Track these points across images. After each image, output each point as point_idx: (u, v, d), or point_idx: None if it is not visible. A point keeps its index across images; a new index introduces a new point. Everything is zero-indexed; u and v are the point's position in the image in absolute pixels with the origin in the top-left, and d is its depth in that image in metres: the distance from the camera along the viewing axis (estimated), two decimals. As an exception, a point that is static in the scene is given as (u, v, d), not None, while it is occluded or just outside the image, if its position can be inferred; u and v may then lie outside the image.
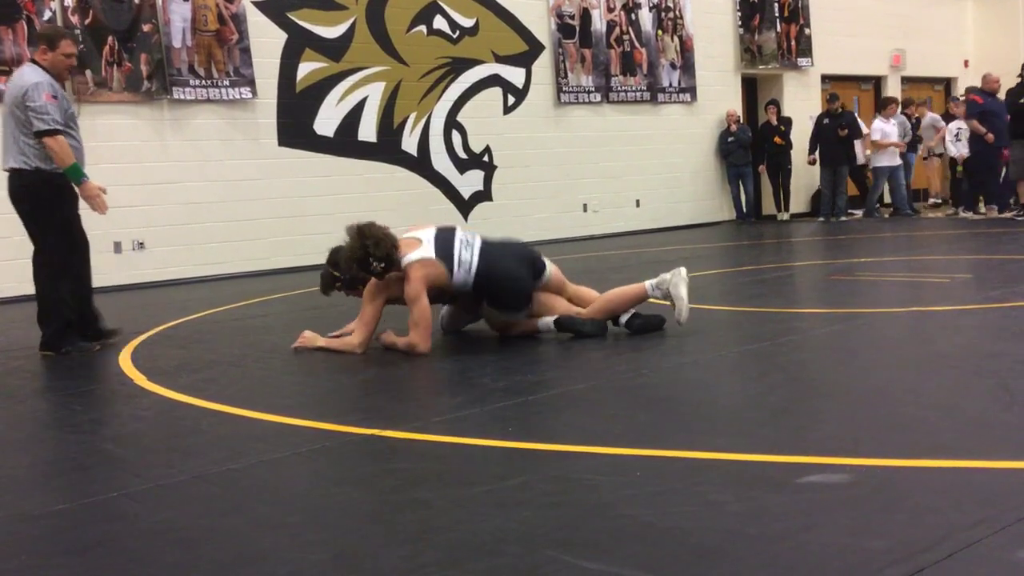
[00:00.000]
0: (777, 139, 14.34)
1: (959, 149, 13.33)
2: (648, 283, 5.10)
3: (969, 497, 2.50)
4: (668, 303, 5.11)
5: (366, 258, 4.87)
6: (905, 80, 17.02)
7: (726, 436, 3.20)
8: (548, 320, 5.17)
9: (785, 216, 14.62)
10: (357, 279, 5.15)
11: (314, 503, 2.79)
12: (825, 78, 15.79)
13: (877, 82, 16.93)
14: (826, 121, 13.71)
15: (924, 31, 17.07)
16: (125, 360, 5.30)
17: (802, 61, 15.25)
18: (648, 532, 2.39)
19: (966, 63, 17.98)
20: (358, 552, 2.39)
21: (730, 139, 14.18)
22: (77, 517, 2.76)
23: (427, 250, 4.98)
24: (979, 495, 2.51)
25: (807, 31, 15.24)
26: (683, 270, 5.06)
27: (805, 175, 14.99)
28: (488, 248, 5.12)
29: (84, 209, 8.47)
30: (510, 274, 5.08)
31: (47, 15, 9.21)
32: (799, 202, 15.34)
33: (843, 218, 13.68)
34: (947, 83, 18.10)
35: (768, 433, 3.25)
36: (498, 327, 5.32)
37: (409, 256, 4.95)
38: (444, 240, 5.06)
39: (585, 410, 3.73)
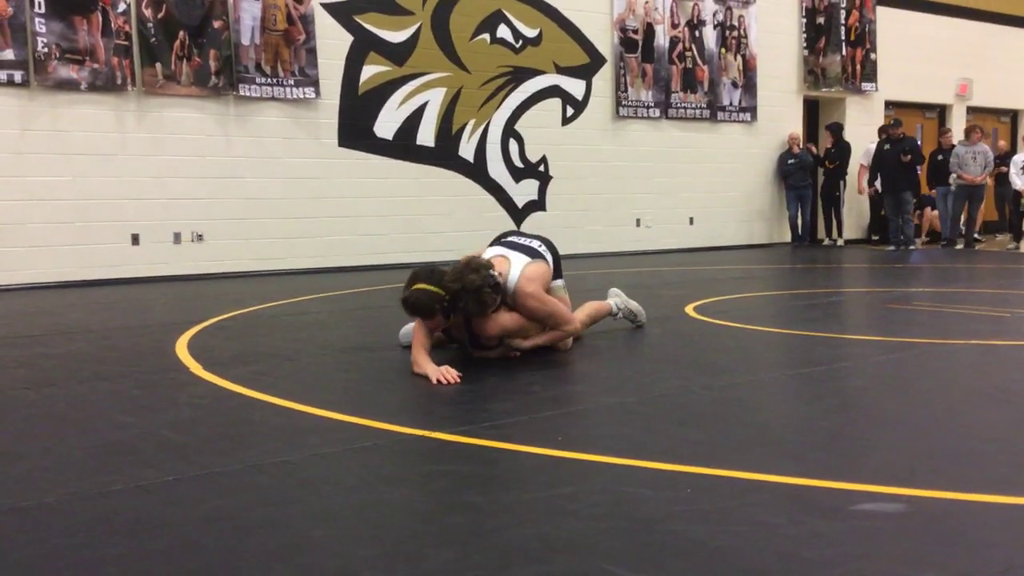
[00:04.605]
0: (828, 163, 14.23)
1: (1023, 182, 13.10)
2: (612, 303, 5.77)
3: (1028, 535, 2.45)
4: (630, 320, 5.85)
5: (481, 291, 4.58)
6: (971, 110, 16.75)
7: (778, 458, 3.17)
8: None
9: (840, 241, 14.46)
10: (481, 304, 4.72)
11: (365, 499, 2.82)
12: (889, 104, 15.61)
13: (942, 110, 16.69)
14: (887, 147, 13.49)
15: (992, 61, 16.80)
16: (182, 349, 5.39)
17: (866, 86, 15.08)
18: (698, 550, 2.37)
19: (1034, 95, 17.68)
20: (407, 550, 2.41)
21: (791, 161, 14.05)
22: (132, 500, 2.81)
23: (519, 259, 4.92)
24: (1039, 533, 2.46)
25: (872, 56, 15.07)
26: (614, 290, 5.88)
27: (857, 201, 14.84)
28: (532, 236, 5.37)
29: (142, 199, 8.51)
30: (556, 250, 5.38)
31: (122, 7, 9.41)
32: (856, 228, 15.18)
33: (911, 247, 13.38)
34: (1014, 115, 17.79)
35: (821, 458, 3.22)
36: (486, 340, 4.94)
37: (510, 277, 4.80)
38: (518, 245, 5.09)
39: (636, 424, 3.72)
